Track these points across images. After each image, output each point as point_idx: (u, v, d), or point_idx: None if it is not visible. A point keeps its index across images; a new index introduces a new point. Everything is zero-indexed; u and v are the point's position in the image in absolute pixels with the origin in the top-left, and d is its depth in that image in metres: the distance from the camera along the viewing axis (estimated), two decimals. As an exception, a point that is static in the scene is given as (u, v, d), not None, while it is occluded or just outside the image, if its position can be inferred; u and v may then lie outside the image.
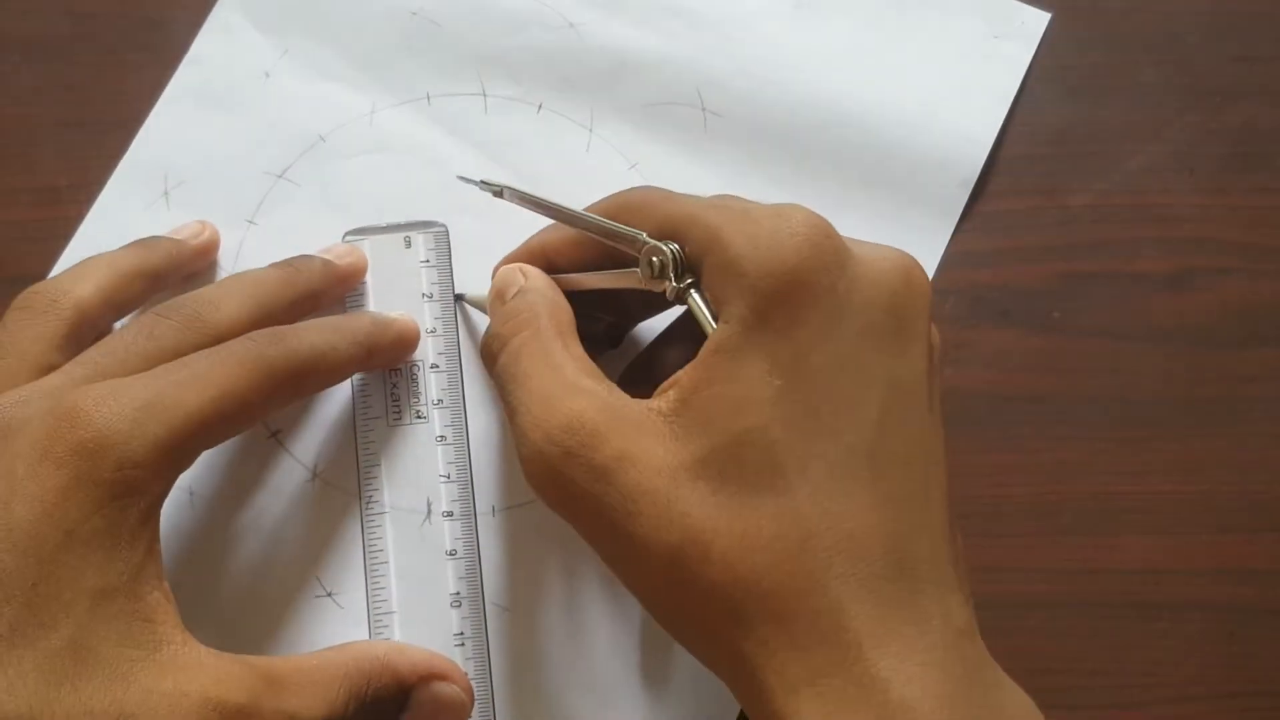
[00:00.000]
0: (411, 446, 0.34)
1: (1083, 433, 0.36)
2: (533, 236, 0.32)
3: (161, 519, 0.27)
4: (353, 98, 0.38)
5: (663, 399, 0.26)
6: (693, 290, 0.27)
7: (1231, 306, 0.37)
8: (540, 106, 0.38)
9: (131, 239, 0.34)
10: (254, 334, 0.29)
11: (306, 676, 0.27)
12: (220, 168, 0.37)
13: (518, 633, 0.33)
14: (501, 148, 0.38)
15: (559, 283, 0.31)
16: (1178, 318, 0.37)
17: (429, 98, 0.38)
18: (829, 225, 0.26)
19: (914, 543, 0.25)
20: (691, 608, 0.25)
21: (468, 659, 0.32)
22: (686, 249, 0.28)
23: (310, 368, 0.30)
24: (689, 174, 0.37)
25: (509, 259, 0.32)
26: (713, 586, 0.24)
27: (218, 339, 0.29)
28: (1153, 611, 0.34)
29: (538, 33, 0.39)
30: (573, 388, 0.27)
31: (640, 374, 0.31)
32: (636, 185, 0.31)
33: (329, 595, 0.33)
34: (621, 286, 0.29)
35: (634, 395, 0.27)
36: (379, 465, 0.34)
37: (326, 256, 0.34)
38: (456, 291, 0.35)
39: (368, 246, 0.35)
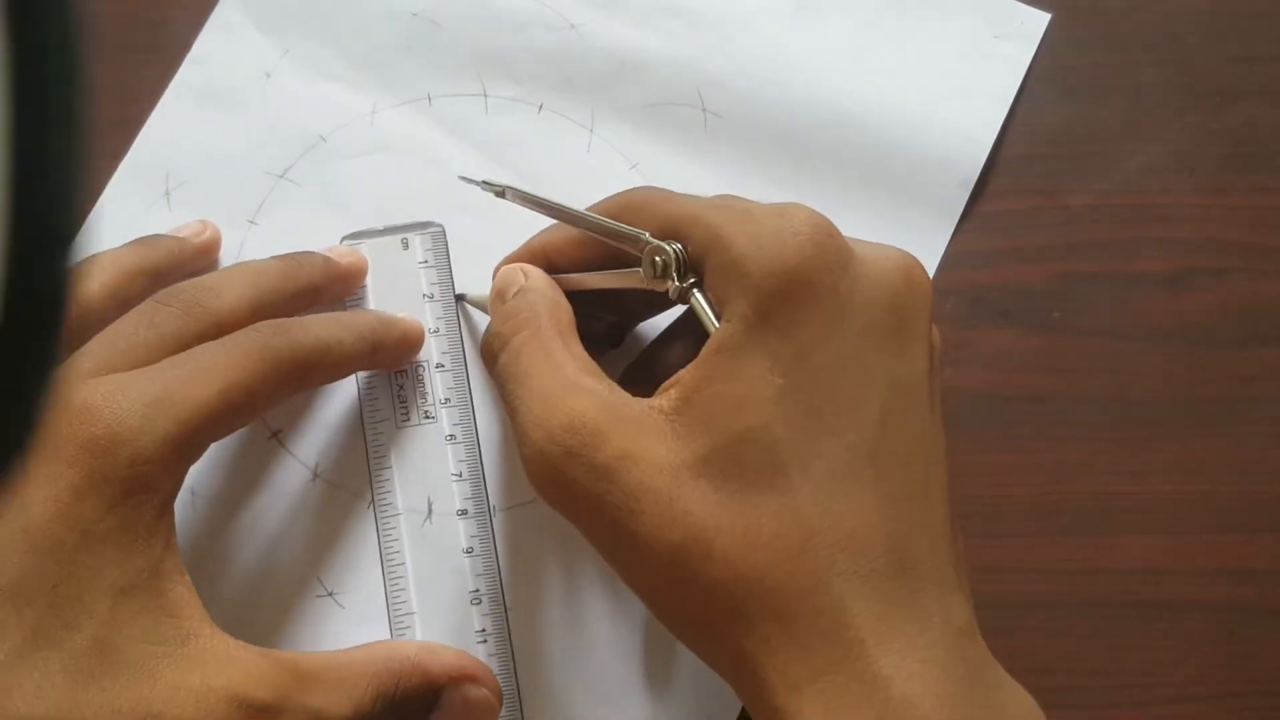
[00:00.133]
0: (420, 447, 0.34)
1: (1083, 433, 0.36)
2: (534, 237, 0.33)
3: (163, 519, 0.27)
4: (354, 98, 0.38)
5: (664, 398, 0.26)
6: (695, 290, 0.27)
7: (1231, 306, 0.37)
8: (541, 107, 0.38)
9: (133, 239, 0.34)
10: (259, 325, 0.29)
11: (334, 674, 0.27)
12: (221, 168, 0.37)
13: (519, 630, 0.33)
14: (502, 148, 0.38)
15: (560, 283, 0.31)
16: (1178, 318, 0.37)
17: (430, 98, 0.38)
18: (831, 224, 0.26)
19: (915, 542, 0.25)
20: (693, 606, 0.25)
21: (490, 655, 0.32)
22: (688, 248, 0.28)
23: (315, 360, 0.30)
24: (689, 174, 0.37)
25: (510, 259, 0.32)
26: (714, 584, 0.24)
27: (218, 326, 0.29)
28: (1153, 611, 0.34)
29: (538, 33, 0.39)
30: (574, 387, 0.27)
31: (641, 373, 0.31)
32: (638, 185, 0.31)
33: (330, 595, 0.33)
34: (623, 286, 0.29)
35: (635, 394, 0.27)
36: (390, 467, 0.34)
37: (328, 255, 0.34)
38: (457, 291, 0.35)
39: (365, 249, 0.35)
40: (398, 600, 0.33)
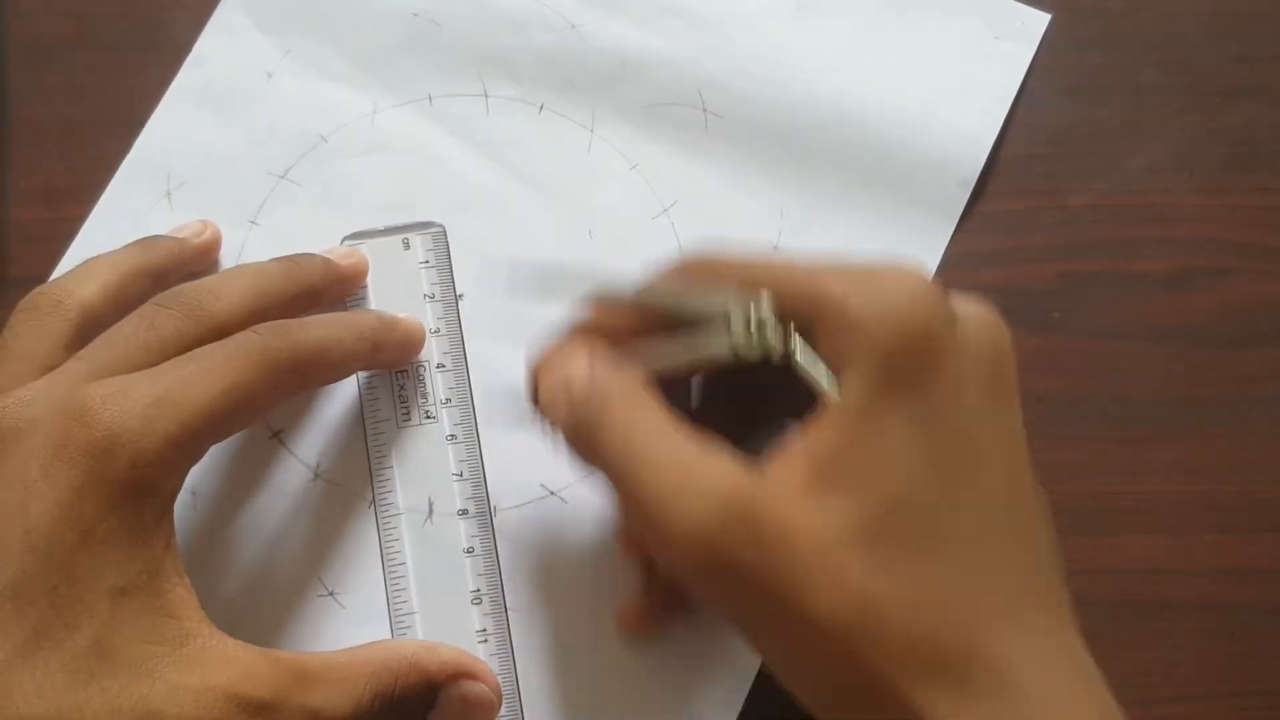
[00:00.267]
0: (421, 446, 0.34)
1: (1083, 433, 0.36)
2: (576, 319, 0.30)
3: (164, 519, 0.27)
4: (354, 98, 0.38)
5: (790, 466, 0.25)
6: (800, 352, 0.26)
7: (1231, 306, 0.37)
8: (542, 107, 0.38)
9: (134, 239, 0.34)
10: (259, 327, 0.29)
11: (333, 673, 0.27)
12: (222, 168, 0.37)
13: (519, 630, 0.33)
14: (503, 148, 0.38)
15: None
16: (1178, 318, 0.37)
17: (430, 98, 0.38)
18: (931, 280, 0.26)
19: (1057, 589, 0.26)
20: (863, 676, 0.24)
21: (491, 655, 0.32)
22: (783, 311, 0.27)
23: (315, 361, 0.30)
24: (689, 174, 0.37)
25: (555, 350, 0.29)
26: (889, 652, 0.24)
27: (218, 328, 0.29)
28: (1153, 611, 0.34)
29: (539, 33, 0.39)
30: (708, 462, 0.25)
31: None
32: (688, 251, 0.29)
33: (331, 594, 0.33)
34: (705, 357, 0.27)
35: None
36: (391, 467, 0.34)
37: (328, 257, 0.34)
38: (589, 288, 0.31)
39: (366, 250, 0.35)
40: (398, 600, 0.33)
